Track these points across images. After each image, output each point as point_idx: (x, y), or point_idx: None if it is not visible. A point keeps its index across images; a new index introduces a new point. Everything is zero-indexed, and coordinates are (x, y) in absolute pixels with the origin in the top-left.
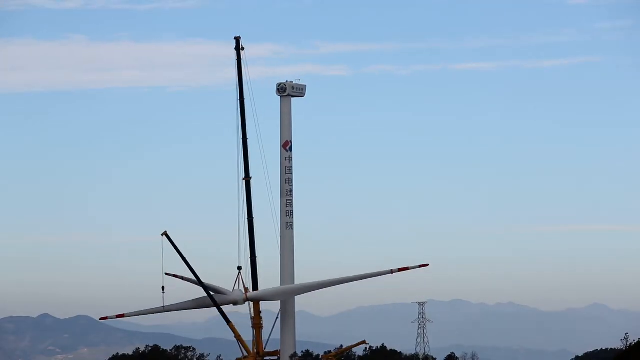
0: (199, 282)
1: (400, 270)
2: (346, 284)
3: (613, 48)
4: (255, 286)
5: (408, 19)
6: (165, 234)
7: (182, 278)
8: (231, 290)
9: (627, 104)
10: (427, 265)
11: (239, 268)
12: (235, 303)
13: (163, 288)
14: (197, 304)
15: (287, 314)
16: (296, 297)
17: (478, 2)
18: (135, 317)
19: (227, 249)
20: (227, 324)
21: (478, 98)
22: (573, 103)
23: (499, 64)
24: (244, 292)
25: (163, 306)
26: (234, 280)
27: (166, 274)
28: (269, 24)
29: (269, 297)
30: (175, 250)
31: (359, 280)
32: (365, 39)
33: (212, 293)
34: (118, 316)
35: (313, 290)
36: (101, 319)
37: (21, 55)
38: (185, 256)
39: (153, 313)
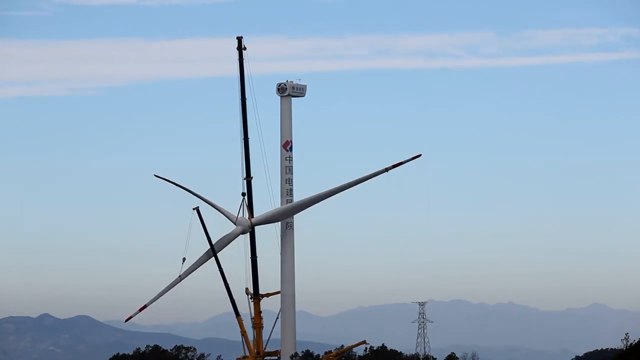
0: (201, 199)
1: (394, 166)
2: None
3: None
4: (255, 285)
5: (419, 12)
6: (197, 209)
7: (173, 182)
8: (235, 215)
9: None
10: (419, 155)
11: (243, 194)
12: (242, 232)
13: (184, 259)
14: (208, 256)
15: (287, 314)
16: (296, 298)
17: None
18: (136, 316)
19: (227, 249)
20: (236, 317)
21: (481, 95)
22: (567, 97)
23: (501, 61)
24: (248, 218)
25: (179, 276)
26: (238, 280)
27: (155, 175)
28: (269, 21)
29: (273, 218)
30: (202, 226)
31: (356, 185)
32: (365, 37)
33: (214, 241)
34: (140, 309)
35: (314, 204)
36: (127, 320)
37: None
38: (209, 233)
39: (172, 287)
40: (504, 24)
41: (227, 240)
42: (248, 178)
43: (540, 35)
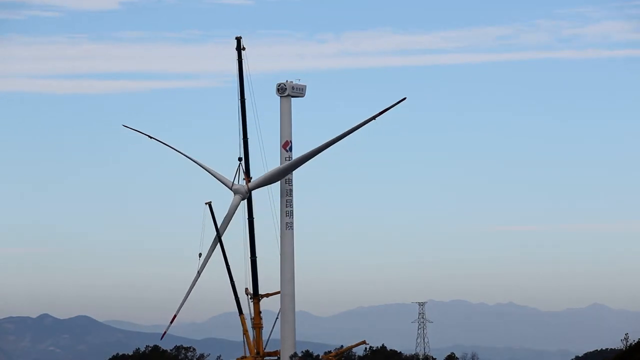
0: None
1: (380, 113)
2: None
3: None
4: (255, 285)
5: (410, 11)
6: (209, 204)
7: (145, 134)
8: (231, 182)
9: None
10: (404, 99)
11: (240, 159)
12: (242, 199)
13: (200, 255)
14: (215, 243)
15: (287, 314)
16: (296, 298)
17: None
18: (137, 316)
19: (228, 250)
20: (239, 315)
21: (484, 93)
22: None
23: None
24: (245, 183)
25: (198, 272)
26: (238, 280)
27: (123, 125)
28: (269, 20)
29: (270, 179)
30: (213, 221)
31: (346, 136)
32: (363, 36)
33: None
34: (172, 321)
35: (310, 159)
36: (162, 337)
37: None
38: (220, 231)
39: (194, 285)
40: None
41: (230, 215)
42: (247, 178)
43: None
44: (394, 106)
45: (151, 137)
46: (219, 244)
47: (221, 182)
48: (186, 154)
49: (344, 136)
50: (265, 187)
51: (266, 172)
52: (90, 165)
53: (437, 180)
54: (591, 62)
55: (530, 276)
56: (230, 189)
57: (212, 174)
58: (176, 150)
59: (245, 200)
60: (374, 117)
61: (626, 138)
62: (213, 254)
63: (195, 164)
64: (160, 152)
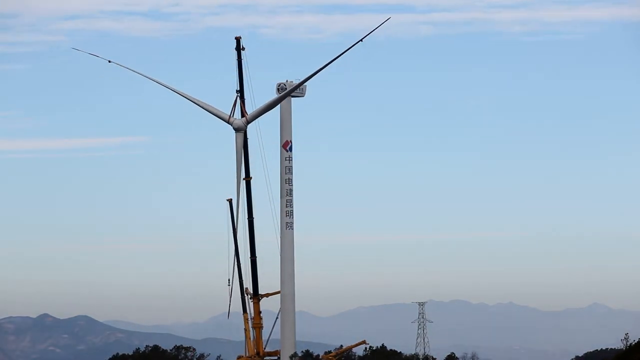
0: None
1: (367, 35)
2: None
3: None
4: (255, 285)
5: None
6: (230, 200)
7: (98, 56)
8: (228, 115)
9: None
10: (389, 18)
11: (238, 91)
12: (239, 130)
13: (229, 280)
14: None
15: (287, 314)
16: (296, 298)
17: None
18: (137, 317)
19: (226, 246)
20: (243, 314)
21: (483, 91)
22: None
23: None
24: (242, 117)
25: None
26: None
27: (73, 48)
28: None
29: (265, 109)
30: (230, 218)
31: (335, 60)
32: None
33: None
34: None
35: (301, 85)
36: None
37: None
38: (236, 228)
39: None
40: None
41: (239, 156)
42: (247, 178)
43: None
44: (379, 27)
45: (110, 62)
46: (237, 242)
47: (217, 116)
48: (180, 91)
49: (333, 60)
50: (265, 186)
51: (262, 104)
52: (88, 164)
53: (437, 180)
54: None
55: (530, 276)
56: (228, 123)
57: (206, 110)
58: (160, 83)
59: (245, 200)
60: (361, 40)
61: (627, 137)
62: (219, 251)
63: (190, 101)
64: (160, 157)
